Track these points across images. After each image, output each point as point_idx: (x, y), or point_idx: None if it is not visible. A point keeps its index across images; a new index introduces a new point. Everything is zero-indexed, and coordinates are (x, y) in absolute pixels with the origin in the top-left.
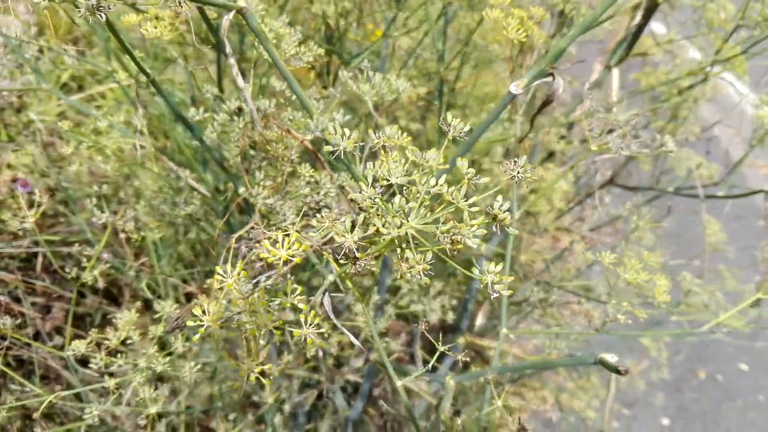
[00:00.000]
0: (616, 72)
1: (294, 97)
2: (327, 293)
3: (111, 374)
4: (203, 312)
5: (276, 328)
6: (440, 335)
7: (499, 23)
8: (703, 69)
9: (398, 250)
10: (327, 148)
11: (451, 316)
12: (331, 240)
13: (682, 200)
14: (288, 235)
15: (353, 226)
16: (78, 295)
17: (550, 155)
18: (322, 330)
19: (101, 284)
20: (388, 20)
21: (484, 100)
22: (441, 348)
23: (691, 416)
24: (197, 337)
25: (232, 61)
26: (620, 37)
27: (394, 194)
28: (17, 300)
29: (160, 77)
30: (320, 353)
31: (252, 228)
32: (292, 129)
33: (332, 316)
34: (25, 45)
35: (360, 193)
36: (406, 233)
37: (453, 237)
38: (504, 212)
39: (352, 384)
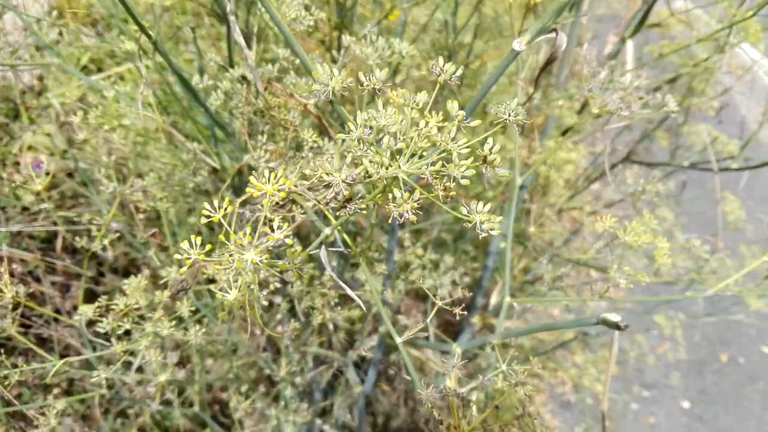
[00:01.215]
0: (630, 44)
1: (298, 61)
2: (324, 246)
3: (109, 340)
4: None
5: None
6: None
7: None
8: (714, 35)
9: (390, 196)
10: (315, 87)
11: (460, 292)
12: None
13: (705, 178)
14: (274, 171)
15: (341, 167)
16: (98, 275)
17: (566, 131)
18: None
19: (110, 254)
20: None
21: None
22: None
23: (711, 399)
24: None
25: (232, 18)
26: (635, 10)
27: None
28: (38, 279)
29: (172, 54)
30: (331, 327)
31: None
32: (295, 94)
33: (327, 267)
34: (45, 27)
35: (348, 134)
36: (397, 177)
37: (444, 182)
38: (493, 154)
39: (367, 361)
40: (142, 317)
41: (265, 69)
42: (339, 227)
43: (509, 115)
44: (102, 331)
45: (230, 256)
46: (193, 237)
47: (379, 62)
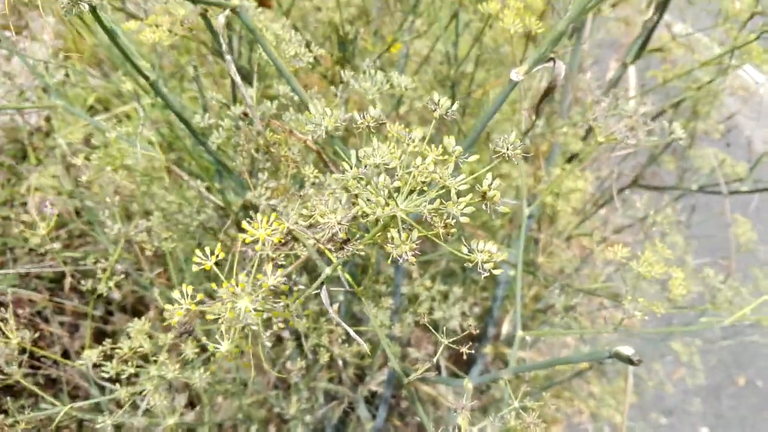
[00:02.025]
0: (632, 69)
1: (297, 98)
2: (325, 286)
3: (118, 382)
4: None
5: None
6: (465, 344)
7: (496, 15)
8: (718, 59)
9: (389, 235)
10: (308, 128)
11: (471, 323)
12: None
13: (713, 202)
14: (269, 215)
15: (336, 207)
16: (106, 314)
17: (571, 158)
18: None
19: (117, 294)
20: (397, 27)
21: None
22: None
23: (729, 423)
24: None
25: (228, 58)
26: (636, 35)
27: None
28: (46, 320)
29: (176, 92)
30: (340, 363)
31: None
32: (295, 130)
33: (329, 308)
34: (51, 69)
35: (343, 173)
36: (395, 216)
37: (444, 219)
38: (493, 189)
39: (378, 396)
40: (146, 359)
41: (265, 106)
42: (339, 266)
43: (507, 149)
44: (106, 375)
45: (222, 305)
46: (185, 285)
47: (379, 96)
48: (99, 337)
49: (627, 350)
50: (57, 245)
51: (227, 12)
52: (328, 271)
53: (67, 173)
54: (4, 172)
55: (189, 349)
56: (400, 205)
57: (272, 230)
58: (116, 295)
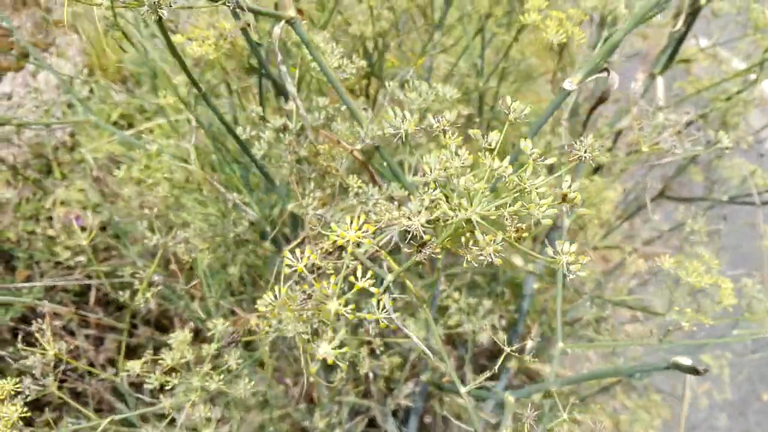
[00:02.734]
0: (660, 80)
1: (343, 108)
2: (388, 293)
3: (163, 394)
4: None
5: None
6: (490, 358)
7: (537, 26)
8: (751, 69)
9: (462, 239)
10: (388, 130)
11: (501, 337)
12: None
13: (740, 212)
14: (357, 218)
15: (419, 210)
16: (131, 327)
17: (597, 169)
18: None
19: (153, 305)
20: (424, 41)
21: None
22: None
23: None
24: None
25: (283, 68)
26: (662, 46)
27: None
28: (71, 333)
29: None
30: (371, 375)
31: (302, 241)
32: (341, 140)
33: (393, 317)
34: (77, 85)
35: (424, 176)
36: (470, 220)
37: (518, 225)
38: (573, 191)
39: (404, 409)
40: (174, 371)
41: (312, 117)
42: (401, 274)
43: (584, 152)
44: (150, 387)
45: (315, 307)
46: (277, 288)
47: (421, 107)
48: (125, 351)
49: (686, 360)
50: (82, 258)
51: (282, 23)
52: (390, 277)
53: (94, 187)
54: (30, 186)
55: (232, 360)
56: (477, 208)
57: (363, 232)
58: (152, 306)
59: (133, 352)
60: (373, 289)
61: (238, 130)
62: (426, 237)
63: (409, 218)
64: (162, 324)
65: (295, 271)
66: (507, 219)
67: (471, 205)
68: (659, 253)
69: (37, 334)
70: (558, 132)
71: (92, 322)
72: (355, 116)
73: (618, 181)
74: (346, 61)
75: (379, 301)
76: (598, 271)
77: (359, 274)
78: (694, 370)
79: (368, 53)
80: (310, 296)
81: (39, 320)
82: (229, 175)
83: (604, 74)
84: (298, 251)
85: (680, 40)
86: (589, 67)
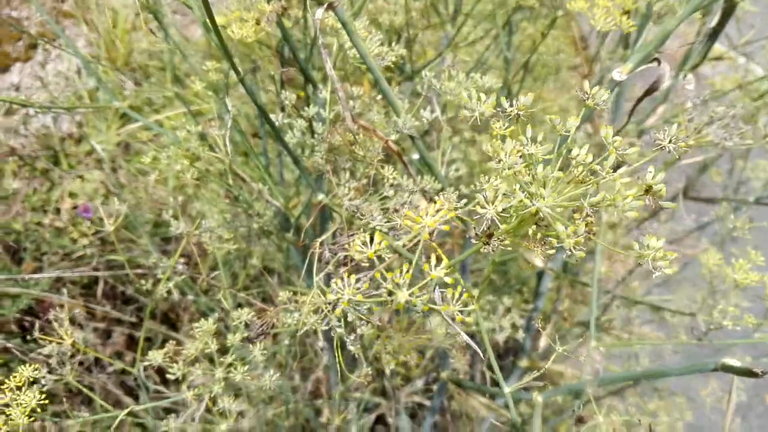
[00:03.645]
0: (690, 78)
1: (379, 98)
2: (437, 288)
3: (186, 386)
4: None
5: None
6: (499, 355)
7: (583, 14)
8: None
9: (530, 231)
10: (464, 112)
11: (521, 335)
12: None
13: (757, 214)
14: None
15: (494, 198)
16: (138, 320)
17: (618, 166)
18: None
19: (176, 297)
20: (448, 36)
21: (543, 112)
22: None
23: None
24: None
25: (324, 51)
26: (689, 44)
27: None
28: (79, 326)
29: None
30: (388, 371)
31: (336, 232)
32: (378, 129)
33: (445, 316)
34: (86, 75)
35: (499, 162)
36: (537, 212)
37: (588, 218)
38: (659, 183)
39: (412, 407)
40: (196, 361)
41: (347, 107)
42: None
43: (669, 141)
44: (173, 377)
45: (388, 295)
46: (349, 276)
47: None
48: (130, 343)
49: (734, 362)
50: (92, 250)
51: (324, 6)
52: (439, 272)
53: (110, 177)
54: (38, 177)
55: (257, 351)
56: (548, 197)
57: (440, 218)
58: (176, 296)
59: (137, 346)
60: (447, 279)
61: (273, 116)
62: (503, 227)
63: (483, 206)
64: (169, 317)
65: (328, 262)
66: (585, 211)
67: (542, 195)
68: (684, 252)
69: (55, 323)
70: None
71: (99, 315)
72: (392, 106)
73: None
74: (386, 49)
75: (453, 291)
76: (621, 272)
77: (433, 262)
78: (749, 372)
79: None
80: (378, 285)
81: (58, 309)
82: (252, 166)
83: (655, 64)
84: (334, 241)
85: (714, 36)
86: (640, 56)
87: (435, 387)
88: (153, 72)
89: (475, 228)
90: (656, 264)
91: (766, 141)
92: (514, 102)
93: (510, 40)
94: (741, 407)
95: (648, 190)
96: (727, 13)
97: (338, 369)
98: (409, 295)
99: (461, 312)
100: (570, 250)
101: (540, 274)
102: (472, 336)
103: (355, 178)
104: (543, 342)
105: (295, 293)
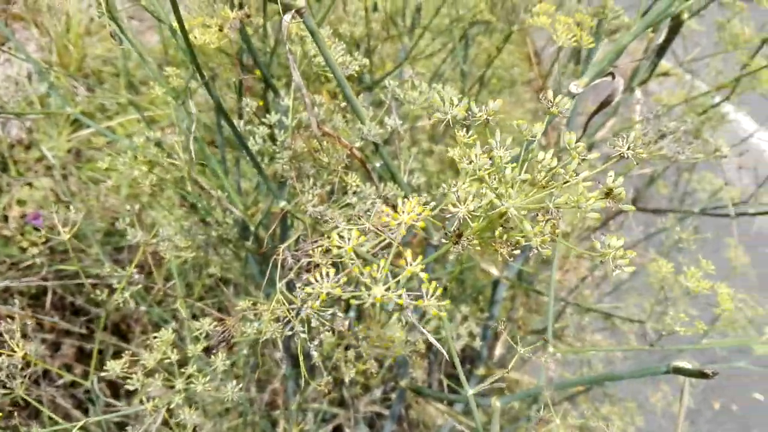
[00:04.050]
0: (638, 94)
1: (342, 105)
2: (406, 293)
3: (129, 396)
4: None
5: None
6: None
7: (546, 26)
8: (732, 83)
9: (496, 232)
10: (436, 116)
11: (478, 343)
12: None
13: (707, 225)
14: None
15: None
16: (88, 332)
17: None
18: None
19: (133, 307)
20: (406, 48)
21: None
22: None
23: None
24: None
25: (290, 57)
26: (638, 60)
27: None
28: (28, 337)
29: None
30: (347, 380)
31: (299, 238)
32: (342, 137)
33: (409, 314)
34: (37, 81)
35: (469, 164)
36: (505, 213)
37: (552, 220)
38: (619, 186)
39: (375, 415)
40: (154, 372)
41: (312, 113)
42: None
43: (628, 148)
44: (131, 388)
45: (364, 289)
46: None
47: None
48: (80, 356)
49: (686, 364)
50: (41, 260)
51: (292, 13)
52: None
53: (61, 184)
54: None
55: (219, 361)
56: (516, 198)
57: (417, 214)
58: (128, 307)
59: (90, 358)
60: (422, 275)
61: (234, 122)
62: (474, 226)
63: (454, 206)
64: (120, 328)
65: (291, 269)
66: (548, 212)
67: (520, 196)
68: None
69: (6, 335)
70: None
71: (47, 326)
72: (357, 113)
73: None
74: (349, 58)
75: (427, 288)
76: (574, 280)
77: (409, 258)
78: (701, 374)
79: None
80: (347, 282)
81: (8, 320)
82: (209, 174)
83: (609, 78)
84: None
85: (660, 53)
86: (596, 70)
87: (393, 395)
88: (107, 78)
89: (445, 228)
90: (617, 263)
91: (715, 155)
92: (482, 108)
93: (466, 53)
94: (690, 413)
95: (608, 193)
96: (674, 30)
97: (297, 379)
98: (386, 290)
99: (436, 307)
100: (537, 249)
101: (495, 283)
102: (432, 345)
103: (318, 185)
104: (498, 350)
105: (254, 303)
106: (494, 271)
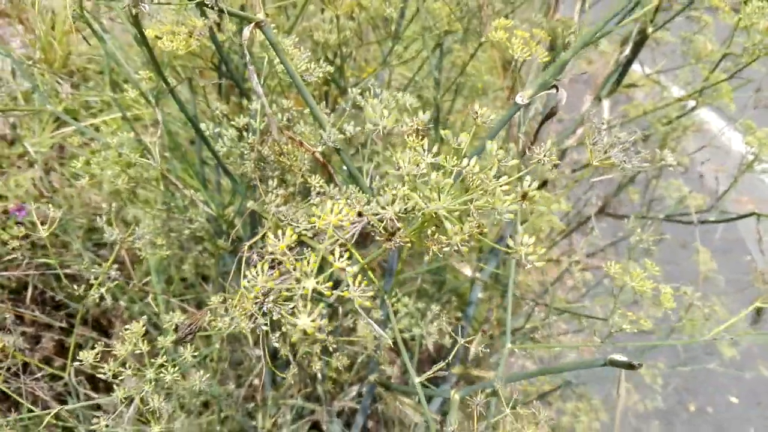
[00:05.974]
0: (606, 104)
1: (305, 112)
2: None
3: (109, 387)
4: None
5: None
6: (432, 364)
7: (503, 44)
8: (694, 95)
9: (429, 231)
10: (368, 126)
11: (448, 341)
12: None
13: (673, 230)
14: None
15: (393, 200)
16: (68, 326)
17: (543, 184)
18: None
19: (109, 303)
20: (384, 53)
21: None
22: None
23: None
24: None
25: (251, 68)
26: (608, 71)
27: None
28: (8, 330)
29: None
30: (318, 376)
31: (263, 237)
32: (304, 141)
33: (361, 312)
34: (20, 78)
35: (398, 170)
36: (436, 214)
37: (479, 223)
38: (533, 190)
39: (350, 410)
40: (124, 365)
41: (277, 118)
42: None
43: (544, 155)
44: (103, 377)
45: (297, 282)
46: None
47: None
48: (60, 350)
49: (620, 357)
50: (21, 254)
51: (252, 26)
52: (355, 268)
53: (44, 179)
54: None
55: (188, 353)
56: (446, 201)
57: (343, 216)
58: (108, 302)
59: (68, 352)
60: (348, 269)
61: (203, 126)
62: (401, 226)
63: (383, 207)
64: (100, 324)
65: (255, 264)
66: (472, 213)
67: (440, 199)
68: (598, 266)
69: None
70: (505, 146)
71: (27, 320)
72: (317, 119)
73: (563, 197)
74: (313, 65)
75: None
76: (542, 281)
77: (337, 254)
78: (629, 365)
79: (331, 61)
80: (288, 272)
81: None
82: (182, 173)
83: (553, 91)
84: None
85: (627, 65)
86: (539, 83)
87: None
88: (91, 76)
89: (379, 227)
90: (528, 258)
91: (661, 164)
92: (413, 119)
93: (440, 61)
94: (666, 415)
95: (524, 196)
96: (639, 44)
97: (273, 374)
98: (316, 283)
99: (364, 298)
100: (456, 246)
101: (472, 284)
102: (405, 343)
103: (284, 186)
104: (473, 350)
105: (224, 299)
106: (467, 272)
